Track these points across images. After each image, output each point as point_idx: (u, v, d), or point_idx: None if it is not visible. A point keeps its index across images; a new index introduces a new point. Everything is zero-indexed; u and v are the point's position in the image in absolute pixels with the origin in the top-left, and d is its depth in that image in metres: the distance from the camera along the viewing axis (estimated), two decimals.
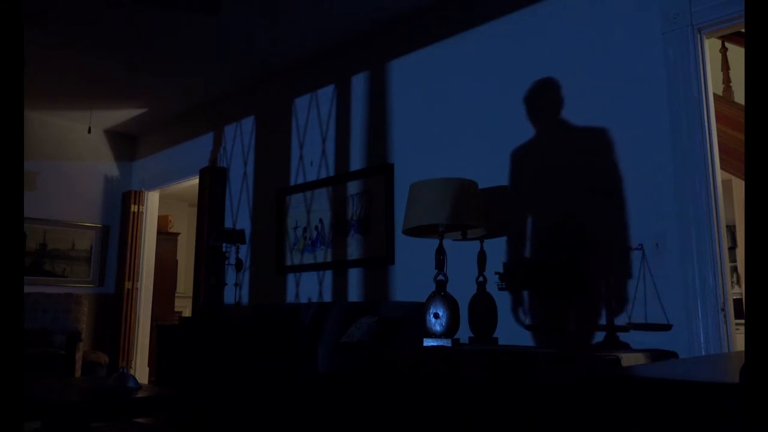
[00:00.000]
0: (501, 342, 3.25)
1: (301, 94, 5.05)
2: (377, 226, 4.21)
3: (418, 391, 2.72)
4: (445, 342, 2.86)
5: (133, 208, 6.78)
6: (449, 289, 2.99)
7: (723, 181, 3.11)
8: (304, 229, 4.78)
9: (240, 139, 5.63)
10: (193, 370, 4.40)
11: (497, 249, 3.46)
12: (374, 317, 3.52)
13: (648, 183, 2.96)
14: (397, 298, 3.99)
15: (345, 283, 4.38)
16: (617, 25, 3.18)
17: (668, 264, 2.84)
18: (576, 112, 3.28)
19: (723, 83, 4.14)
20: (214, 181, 5.69)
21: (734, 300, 3.75)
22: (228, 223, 5.60)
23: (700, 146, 2.81)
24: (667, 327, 2.80)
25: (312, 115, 4.91)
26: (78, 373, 5.45)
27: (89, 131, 6.34)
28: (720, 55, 4.15)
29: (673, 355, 2.72)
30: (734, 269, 5.79)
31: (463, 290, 3.27)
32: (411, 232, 3.19)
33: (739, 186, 5.31)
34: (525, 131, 3.49)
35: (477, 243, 3.41)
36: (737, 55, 4.05)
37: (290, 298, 4.81)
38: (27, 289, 5.98)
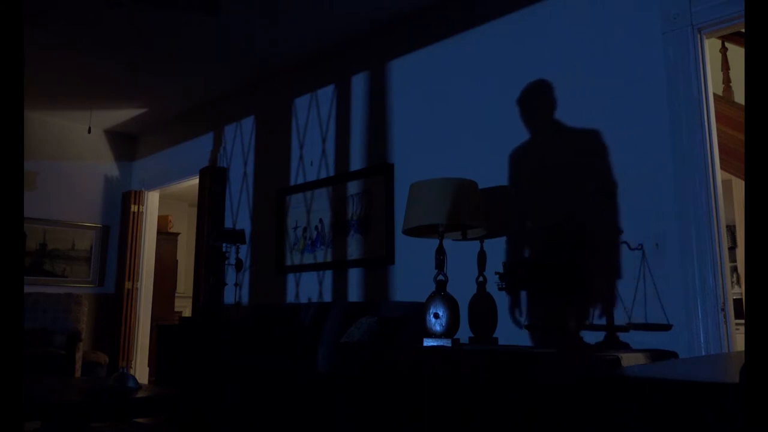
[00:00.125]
0: (501, 342, 3.25)
1: (301, 94, 5.05)
2: (377, 226, 4.21)
3: (418, 391, 2.72)
4: (445, 342, 2.86)
5: (133, 208, 6.78)
6: (449, 289, 2.99)
7: (723, 181, 3.11)
8: (304, 229, 4.78)
9: (240, 139, 5.63)
10: (193, 370, 4.40)
11: (497, 249, 3.46)
12: (374, 317, 3.52)
13: (648, 183, 2.96)
14: (397, 298, 3.99)
15: (345, 283, 4.38)
16: (617, 25, 3.18)
17: (668, 264, 2.84)
18: (576, 112, 3.28)
19: (723, 83, 4.14)
20: (214, 181, 5.69)
21: (734, 300, 3.75)
22: (228, 223, 5.60)
23: (700, 146, 2.81)
24: (667, 327, 2.80)
25: (312, 115, 4.91)
26: (78, 373, 5.45)
27: (89, 131, 6.34)
28: (720, 55, 4.15)
29: (673, 355, 2.72)
30: (734, 269, 5.79)
31: (463, 290, 3.27)
32: (411, 232, 3.19)
33: (739, 186, 5.31)
34: (525, 131, 3.49)
35: (477, 243, 3.41)
36: (737, 55, 4.05)
37: (290, 298, 4.81)
38: (27, 289, 5.98)
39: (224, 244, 5.23)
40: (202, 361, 4.33)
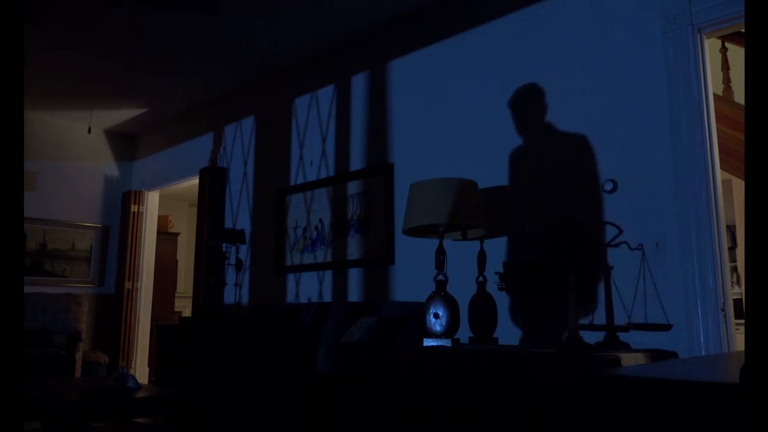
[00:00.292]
0: (501, 342, 3.25)
1: (301, 94, 5.05)
2: (377, 226, 4.21)
3: (418, 391, 2.72)
4: (445, 342, 2.86)
5: (133, 208, 6.78)
6: (449, 289, 2.99)
7: (723, 181, 3.11)
8: (304, 229, 4.78)
9: (240, 139, 5.63)
10: (193, 370, 4.40)
11: (497, 249, 3.46)
12: (374, 317, 3.52)
13: (648, 183, 2.96)
14: (397, 298, 3.99)
15: (345, 283, 4.38)
16: (617, 25, 3.18)
17: (668, 264, 2.84)
18: (576, 112, 3.28)
19: (723, 83, 4.14)
20: (214, 181, 5.69)
21: (734, 300, 3.75)
22: (228, 223, 5.60)
23: (700, 146, 2.81)
24: (667, 327, 2.80)
25: (312, 115, 4.91)
26: (78, 373, 5.45)
27: (89, 131, 6.34)
28: (720, 55, 4.15)
29: (673, 355, 2.72)
30: (734, 269, 5.79)
31: (463, 290, 3.27)
32: (411, 232, 3.19)
33: (739, 186, 5.31)
34: (525, 131, 3.49)
35: (477, 243, 3.41)
36: (737, 55, 4.05)
37: (290, 298, 4.81)
38: (27, 289, 5.98)
39: (224, 244, 5.23)
40: (202, 361, 4.33)
